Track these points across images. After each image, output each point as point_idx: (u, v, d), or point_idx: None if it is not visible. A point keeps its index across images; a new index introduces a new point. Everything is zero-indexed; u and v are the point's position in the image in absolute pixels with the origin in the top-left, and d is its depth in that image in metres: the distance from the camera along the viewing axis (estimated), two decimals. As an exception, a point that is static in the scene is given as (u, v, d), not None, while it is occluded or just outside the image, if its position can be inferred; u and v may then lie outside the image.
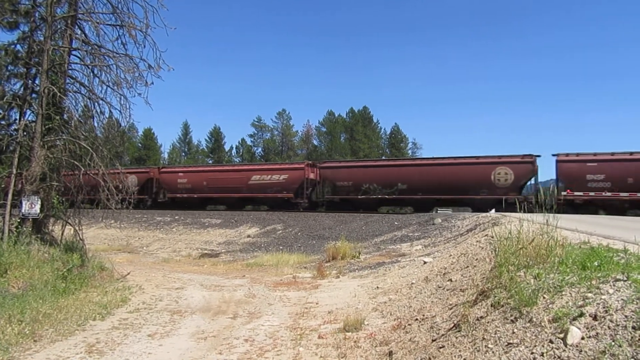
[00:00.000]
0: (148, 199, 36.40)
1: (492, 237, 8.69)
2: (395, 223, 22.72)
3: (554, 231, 5.58)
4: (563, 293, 4.27)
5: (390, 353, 5.94)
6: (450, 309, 6.57)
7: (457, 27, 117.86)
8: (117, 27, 13.15)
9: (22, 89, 13.38)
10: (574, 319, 3.74)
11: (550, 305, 4.17)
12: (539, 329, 3.92)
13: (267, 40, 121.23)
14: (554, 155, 26.26)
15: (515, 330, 4.17)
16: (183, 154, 78.64)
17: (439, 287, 8.38)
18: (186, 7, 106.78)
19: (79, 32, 13.48)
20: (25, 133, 12.60)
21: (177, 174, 36.71)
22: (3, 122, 13.49)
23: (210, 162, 71.13)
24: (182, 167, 44.84)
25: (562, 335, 3.62)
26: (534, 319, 4.11)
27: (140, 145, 74.87)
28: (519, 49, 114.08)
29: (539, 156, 26.91)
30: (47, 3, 12.52)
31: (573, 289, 4.26)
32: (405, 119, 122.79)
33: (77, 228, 13.27)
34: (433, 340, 5.55)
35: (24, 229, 11.95)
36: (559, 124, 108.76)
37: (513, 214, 15.38)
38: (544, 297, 4.37)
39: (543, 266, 5.18)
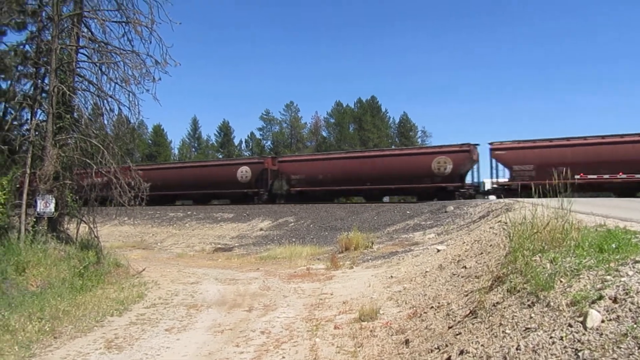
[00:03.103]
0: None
1: (506, 222, 8.64)
2: (407, 212, 22.66)
3: (568, 215, 5.54)
4: (580, 276, 4.23)
5: (407, 341, 5.94)
6: (466, 295, 6.55)
7: (463, 13, 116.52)
8: (123, 23, 13.17)
9: (32, 88, 13.49)
10: (593, 302, 3.70)
11: (567, 289, 4.14)
12: (557, 313, 3.89)
13: (273, 34, 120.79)
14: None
15: (533, 315, 4.14)
16: (193, 149, 78.96)
17: (454, 275, 8.36)
18: (191, 2, 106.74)
19: (85, 30, 13.53)
20: (37, 132, 12.71)
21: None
22: (15, 123, 13.63)
23: (220, 156, 71.27)
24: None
25: (581, 319, 3.59)
26: (552, 303, 4.08)
27: (150, 141, 75.30)
28: (529, 34, 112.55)
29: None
30: (54, 2, 12.57)
31: (591, 272, 4.22)
32: (414, 108, 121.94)
33: (91, 226, 13.40)
34: (449, 328, 5.54)
35: (40, 227, 12.09)
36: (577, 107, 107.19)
37: (526, 200, 15.27)
38: (560, 281, 4.33)
39: (559, 250, 5.14)
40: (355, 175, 29.74)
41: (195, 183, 35.10)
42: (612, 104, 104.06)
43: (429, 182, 27.53)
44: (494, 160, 27.43)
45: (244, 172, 33.35)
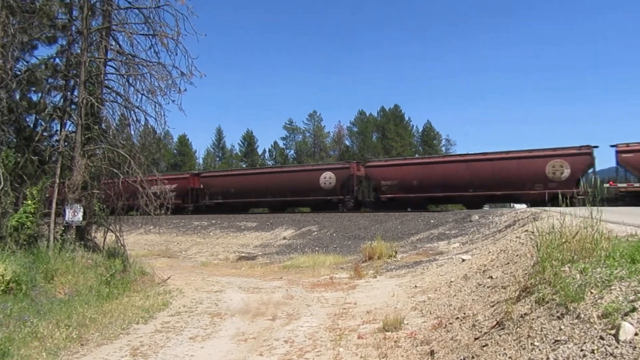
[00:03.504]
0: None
1: (533, 232, 8.47)
2: (431, 221, 22.43)
3: (598, 224, 5.40)
4: (612, 288, 4.11)
5: (432, 352, 5.85)
6: (492, 306, 6.42)
7: (488, 17, 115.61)
8: (150, 36, 13.44)
9: (61, 100, 13.86)
10: (626, 314, 3.59)
11: (598, 301, 4.02)
12: (587, 325, 3.79)
13: (295, 43, 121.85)
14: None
15: (563, 326, 4.03)
16: (217, 159, 79.85)
17: (479, 285, 8.22)
18: (215, 12, 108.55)
19: (113, 43, 13.84)
20: (66, 143, 13.02)
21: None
22: (45, 134, 13.99)
23: (244, 165, 71.84)
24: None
25: (613, 332, 3.48)
26: (582, 315, 3.97)
27: (175, 151, 76.48)
28: (555, 36, 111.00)
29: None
30: (83, 16, 12.91)
31: (623, 283, 4.10)
32: (438, 116, 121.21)
33: (118, 234, 13.62)
34: (476, 339, 5.44)
35: (68, 236, 12.34)
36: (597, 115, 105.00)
37: (552, 208, 14.97)
38: (591, 292, 4.21)
39: (589, 260, 5.01)
40: (455, 180, 27.47)
41: (272, 190, 33.88)
42: None
43: (541, 188, 25.37)
44: (618, 163, 25.18)
45: (327, 178, 31.60)
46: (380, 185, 30.10)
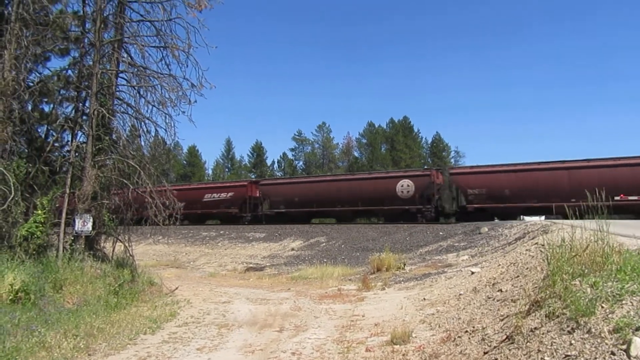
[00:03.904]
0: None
1: (543, 245, 8.39)
2: (440, 233, 22.30)
3: (608, 237, 5.34)
4: (623, 302, 4.06)
5: (441, 366, 5.79)
6: (502, 320, 6.36)
7: (498, 31, 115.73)
8: (161, 48, 13.63)
9: (73, 111, 14.02)
10: (637, 329, 3.55)
11: (609, 315, 3.97)
12: (598, 340, 3.74)
13: (305, 54, 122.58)
14: None
15: (573, 341, 3.98)
16: (226, 169, 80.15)
17: (489, 298, 8.14)
18: (225, 23, 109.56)
19: (125, 55, 14.02)
20: (77, 154, 13.16)
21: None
22: (56, 144, 14.14)
23: (253, 176, 71.99)
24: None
25: (624, 347, 3.43)
26: (593, 330, 3.92)
27: (185, 162, 76.89)
28: (565, 51, 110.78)
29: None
30: (96, 29, 13.09)
31: (634, 298, 4.05)
32: (447, 128, 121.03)
33: (127, 244, 13.68)
34: (485, 353, 5.37)
35: (77, 246, 12.41)
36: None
37: (565, 221, 14.83)
38: (602, 307, 4.16)
39: (599, 274, 4.96)
40: (554, 188, 25.12)
41: (341, 199, 31.68)
42: None
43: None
44: None
45: (405, 187, 29.37)
46: (467, 194, 27.88)
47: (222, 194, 35.72)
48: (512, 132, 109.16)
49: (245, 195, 35.05)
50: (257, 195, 35.27)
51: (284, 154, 79.04)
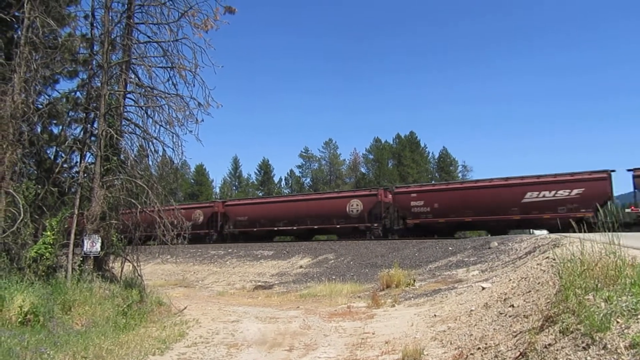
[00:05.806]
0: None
1: (554, 259, 8.29)
2: (450, 248, 22.13)
3: (620, 250, 5.27)
4: (639, 317, 3.97)
5: (453, 384, 5.69)
6: (515, 336, 6.25)
7: (505, 44, 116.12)
8: (168, 68, 13.77)
9: (82, 133, 14.15)
10: (654, 344, 3.46)
11: (625, 331, 3.89)
12: (615, 357, 3.66)
13: (311, 70, 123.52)
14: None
15: (589, 357, 3.90)
16: (234, 187, 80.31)
17: (501, 314, 8.03)
18: (231, 40, 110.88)
19: (132, 76, 14.20)
20: (85, 175, 13.23)
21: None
22: (65, 165, 14.24)
23: (260, 194, 72.02)
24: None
25: (642, 363, 3.35)
26: (609, 346, 3.83)
27: (192, 181, 77.17)
28: (573, 64, 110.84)
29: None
30: (104, 51, 13.27)
31: (650, 312, 3.97)
32: (454, 142, 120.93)
33: (135, 264, 13.67)
34: (498, 370, 5.28)
35: (86, 266, 12.42)
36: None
37: (573, 235, 14.68)
38: (617, 322, 4.08)
39: (613, 288, 4.87)
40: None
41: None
42: None
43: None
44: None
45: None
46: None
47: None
48: (520, 145, 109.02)
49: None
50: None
51: (291, 171, 79.41)
